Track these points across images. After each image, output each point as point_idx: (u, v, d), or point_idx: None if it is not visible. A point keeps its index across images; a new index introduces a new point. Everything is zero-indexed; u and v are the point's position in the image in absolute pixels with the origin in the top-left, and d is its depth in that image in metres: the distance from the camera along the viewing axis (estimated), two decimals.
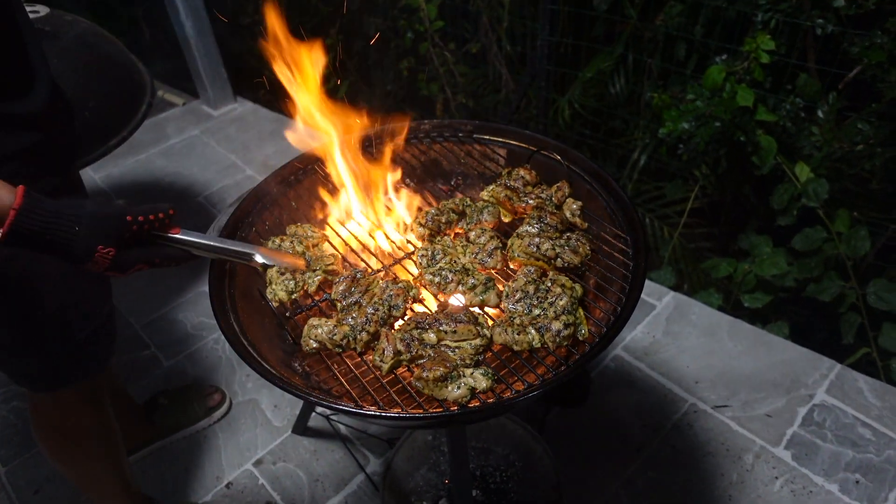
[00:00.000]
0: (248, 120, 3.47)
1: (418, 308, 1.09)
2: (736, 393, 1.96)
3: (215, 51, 3.36)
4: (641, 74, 2.74)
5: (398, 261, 1.18)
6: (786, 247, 2.28)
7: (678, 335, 2.16)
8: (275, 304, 1.11)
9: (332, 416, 1.91)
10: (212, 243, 0.95)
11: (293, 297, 1.09)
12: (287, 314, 1.10)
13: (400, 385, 0.99)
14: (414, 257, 1.16)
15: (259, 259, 1.01)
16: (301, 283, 1.10)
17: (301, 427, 1.91)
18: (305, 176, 1.38)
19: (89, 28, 1.93)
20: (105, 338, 1.30)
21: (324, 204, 1.31)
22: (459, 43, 3.30)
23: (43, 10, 1.85)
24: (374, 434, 1.89)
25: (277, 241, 1.18)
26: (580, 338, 1.00)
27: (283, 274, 1.10)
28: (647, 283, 2.34)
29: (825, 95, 2.19)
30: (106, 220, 0.85)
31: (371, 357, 1.00)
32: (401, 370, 1.00)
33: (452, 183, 1.44)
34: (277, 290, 1.09)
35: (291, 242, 1.17)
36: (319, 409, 1.91)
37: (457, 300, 1.09)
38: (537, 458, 1.70)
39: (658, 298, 2.29)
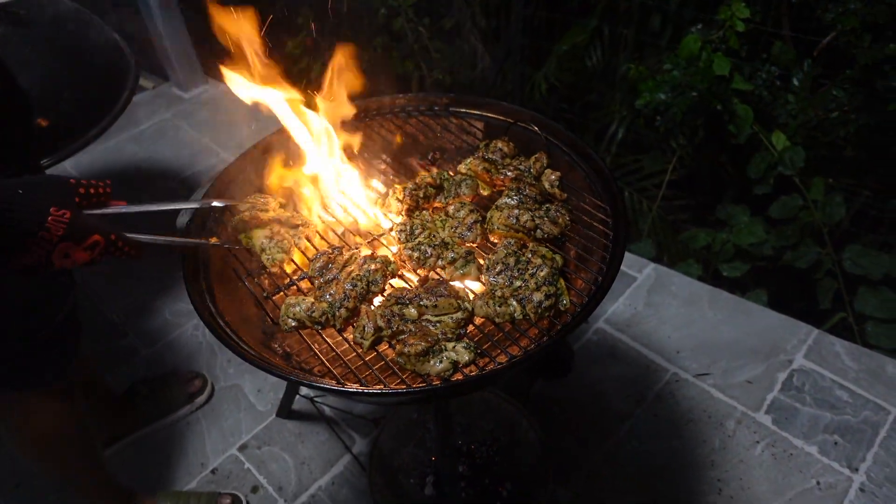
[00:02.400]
0: (220, 101, 3.40)
1: (397, 283, 1.07)
2: (716, 361, 1.98)
3: (183, 31, 3.27)
4: (617, 47, 2.73)
5: (376, 237, 1.16)
6: (763, 215, 2.30)
7: (659, 306, 2.17)
8: (275, 270, 1.09)
9: (316, 398, 1.90)
10: (160, 206, 0.93)
11: (289, 256, 1.07)
12: (265, 294, 1.07)
13: (382, 362, 0.98)
14: (392, 233, 1.14)
15: (217, 204, 1.00)
16: (290, 242, 1.08)
17: (285, 410, 1.90)
18: (276, 155, 1.34)
19: (68, 9, 1.84)
20: (69, 332, 1.26)
21: (297, 182, 1.29)
22: (434, 18, 3.25)
23: None
24: (359, 414, 1.88)
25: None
26: (562, 308, 1.00)
27: (271, 239, 1.08)
28: (628, 255, 2.35)
29: (800, 63, 2.19)
30: (50, 183, 0.78)
31: (351, 334, 0.98)
32: (382, 346, 0.99)
33: (430, 157, 1.42)
34: (273, 254, 1.07)
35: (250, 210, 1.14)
36: (303, 391, 1.90)
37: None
38: (522, 431, 1.71)
39: (638, 270, 2.30)
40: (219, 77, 3.58)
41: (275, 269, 1.09)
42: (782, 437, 1.78)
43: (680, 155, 2.55)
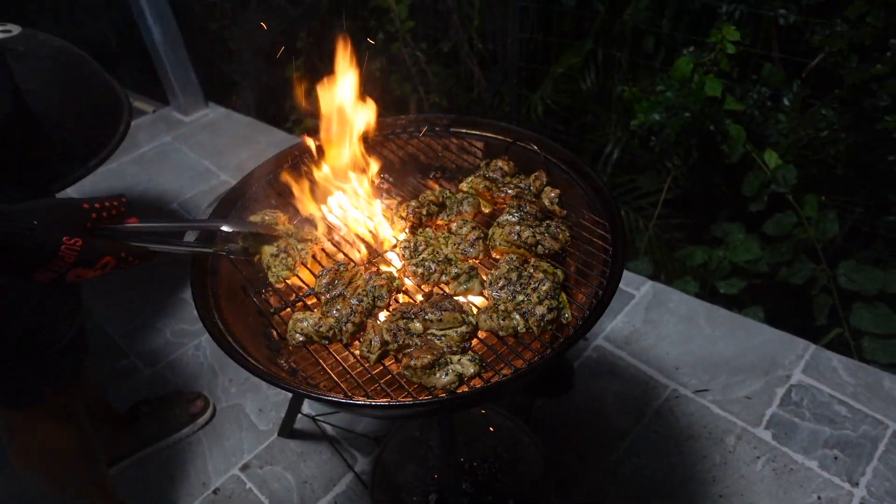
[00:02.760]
0: (220, 125, 3.44)
1: (402, 299, 1.09)
2: (715, 377, 2.00)
3: (185, 56, 3.33)
4: (611, 69, 2.79)
5: (380, 254, 1.19)
6: (758, 232, 2.33)
7: (657, 323, 2.19)
8: (280, 286, 1.11)
9: (318, 417, 1.91)
10: (172, 224, 0.94)
11: (295, 273, 1.10)
12: (272, 311, 1.09)
13: (389, 376, 0.99)
14: (396, 250, 1.16)
15: (226, 228, 0.98)
16: (297, 258, 1.10)
17: (287, 430, 1.90)
18: (282, 174, 1.37)
19: (63, 47, 1.89)
20: (75, 352, 1.27)
21: (302, 200, 1.31)
22: (431, 42, 3.32)
23: (15, 29, 1.81)
24: (361, 433, 1.89)
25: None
26: (563, 321, 1.02)
27: (276, 256, 1.10)
28: (625, 273, 2.36)
29: (790, 84, 2.25)
30: (63, 209, 0.81)
31: (358, 349, 1.00)
32: (388, 361, 1.00)
33: (431, 177, 1.45)
34: (279, 271, 1.10)
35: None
36: (306, 410, 1.90)
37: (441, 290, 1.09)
38: (524, 448, 1.71)
39: (636, 288, 2.33)
40: (219, 101, 3.63)
41: (280, 286, 1.12)
42: (782, 452, 1.79)
43: (674, 175, 2.59)
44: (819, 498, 1.69)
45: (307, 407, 1.94)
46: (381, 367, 1.01)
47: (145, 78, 3.84)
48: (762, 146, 2.30)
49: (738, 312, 2.22)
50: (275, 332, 1.15)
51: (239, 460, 1.88)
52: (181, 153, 3.23)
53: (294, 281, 1.12)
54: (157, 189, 3.00)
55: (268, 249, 1.11)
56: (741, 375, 1.99)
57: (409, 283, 1.13)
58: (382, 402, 0.90)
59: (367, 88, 1.33)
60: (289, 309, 1.10)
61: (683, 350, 2.09)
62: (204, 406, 1.96)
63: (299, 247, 1.12)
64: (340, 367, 1.01)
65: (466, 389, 0.93)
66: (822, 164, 2.31)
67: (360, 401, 0.90)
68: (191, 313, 2.35)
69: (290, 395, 1.99)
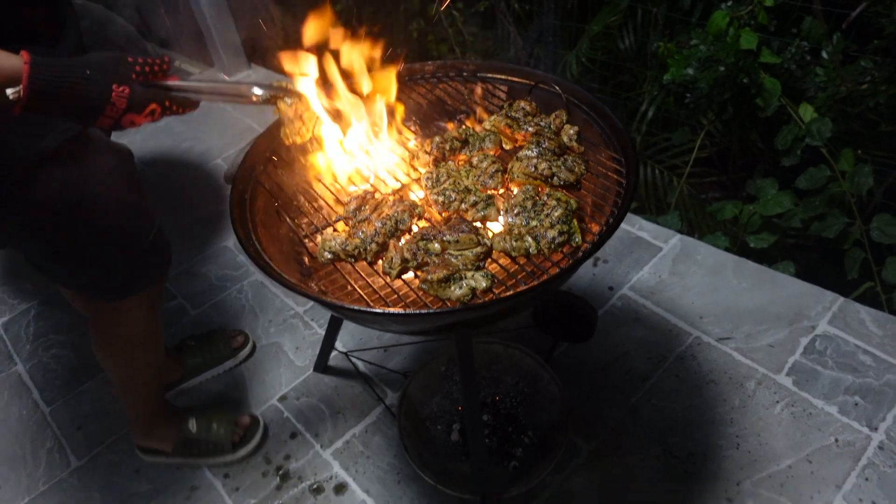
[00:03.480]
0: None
1: (423, 224, 1.17)
2: (739, 326, 2.02)
3: (228, 17, 3.43)
4: (648, 26, 2.77)
5: (406, 184, 1.26)
6: (791, 188, 2.32)
7: (684, 275, 2.22)
8: (288, 143, 1.19)
9: (351, 353, 2.02)
10: (208, 84, 1.04)
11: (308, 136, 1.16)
12: (303, 234, 1.18)
13: (412, 296, 1.07)
14: (420, 181, 1.24)
15: (257, 91, 1.06)
16: (310, 125, 1.17)
17: (322, 365, 2.02)
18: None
19: (102, 13, 2.02)
20: (161, 246, 1.42)
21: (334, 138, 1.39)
22: (468, 3, 3.33)
23: None
24: (391, 369, 2.00)
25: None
26: (574, 245, 1.08)
27: (292, 121, 1.17)
28: (653, 226, 2.41)
29: (830, 37, 2.21)
30: (110, 61, 0.91)
31: (381, 265, 1.09)
32: (409, 278, 1.09)
33: (457, 119, 1.51)
34: (291, 133, 1.18)
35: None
36: (339, 347, 2.02)
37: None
38: (545, 384, 1.79)
39: (664, 241, 2.35)
40: (261, 63, 3.74)
41: (288, 142, 1.19)
42: (802, 398, 1.82)
43: (709, 130, 2.58)
44: (836, 441, 1.72)
45: (340, 344, 2.06)
46: (405, 287, 1.09)
47: (192, 41, 3.98)
48: (798, 100, 2.27)
49: (768, 266, 2.23)
50: (306, 258, 1.25)
51: (277, 392, 2.01)
52: (225, 112, 3.36)
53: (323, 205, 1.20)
54: (203, 146, 3.14)
55: (286, 109, 1.15)
56: (766, 325, 2.02)
57: (430, 211, 1.20)
58: (398, 310, 0.98)
59: (405, 49, 1.39)
60: (319, 233, 1.19)
61: (709, 300, 2.12)
62: (244, 341, 2.09)
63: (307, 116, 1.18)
64: (366, 286, 1.10)
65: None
66: (862, 118, 2.27)
67: (379, 309, 0.99)
68: (233, 259, 2.49)
69: (323, 332, 2.11)
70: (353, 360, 2.02)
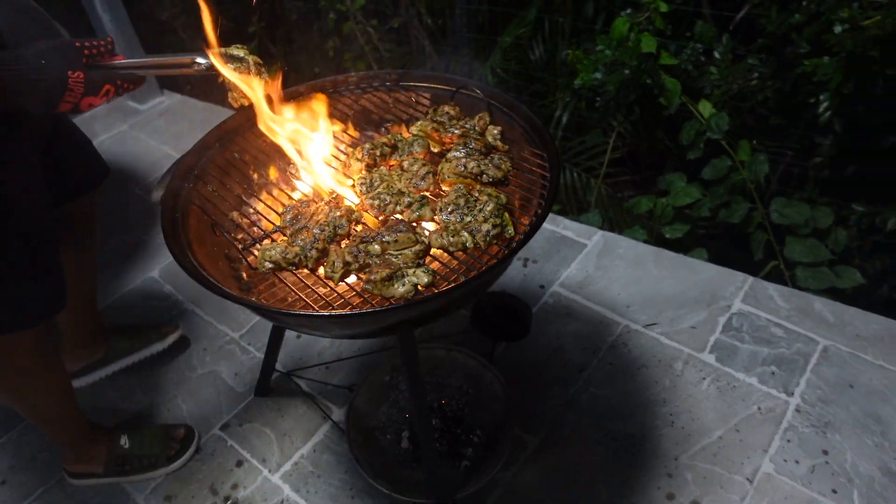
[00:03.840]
0: (177, 111, 3.46)
1: (360, 229, 1.19)
2: (663, 312, 2.14)
3: (136, 44, 3.34)
4: (556, 36, 2.91)
5: (338, 192, 1.28)
6: (698, 180, 2.49)
7: (608, 268, 2.33)
8: (236, 105, 1.17)
9: (293, 373, 1.99)
10: (153, 59, 1.07)
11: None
12: (241, 247, 1.18)
13: (353, 293, 1.09)
14: (354, 188, 1.26)
15: (200, 60, 1.06)
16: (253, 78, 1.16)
17: (263, 388, 1.98)
18: (238, 134, 1.45)
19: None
20: (56, 281, 1.33)
21: (264, 154, 1.40)
22: (382, 19, 3.39)
23: None
24: (335, 385, 1.98)
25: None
26: (507, 236, 1.13)
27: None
28: (577, 224, 2.51)
29: (720, 38, 2.40)
30: (62, 48, 0.95)
31: (323, 271, 1.10)
32: (353, 282, 1.10)
33: (383, 130, 1.54)
34: (238, 98, 1.15)
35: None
36: (279, 367, 1.99)
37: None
38: (488, 384, 1.83)
39: (588, 238, 2.46)
40: (174, 88, 3.65)
41: (236, 105, 1.17)
42: (725, 373, 1.95)
43: (619, 131, 2.73)
44: (759, 409, 1.85)
45: (280, 365, 2.03)
46: (349, 291, 1.10)
47: None
48: (697, 98, 2.45)
49: (684, 255, 2.38)
50: (244, 273, 1.24)
51: (218, 421, 1.96)
52: (140, 140, 3.26)
53: (259, 218, 1.21)
54: (119, 176, 3.02)
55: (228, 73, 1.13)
56: (686, 309, 2.15)
57: (366, 216, 1.22)
58: (345, 312, 1.00)
59: (322, 67, 1.40)
60: (257, 245, 1.19)
61: (633, 290, 2.23)
62: (174, 329, 2.07)
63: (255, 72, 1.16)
64: (311, 293, 1.10)
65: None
66: (753, 112, 2.47)
67: (325, 312, 1.00)
68: (160, 290, 2.41)
69: (261, 356, 2.08)
70: (296, 379, 2.00)
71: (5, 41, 1.10)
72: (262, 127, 1.22)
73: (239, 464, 1.84)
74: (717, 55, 2.40)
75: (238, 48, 1.13)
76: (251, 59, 1.11)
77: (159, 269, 2.50)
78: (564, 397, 1.92)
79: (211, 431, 1.93)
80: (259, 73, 1.11)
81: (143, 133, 3.30)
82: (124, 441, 1.77)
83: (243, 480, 1.80)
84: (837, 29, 2.03)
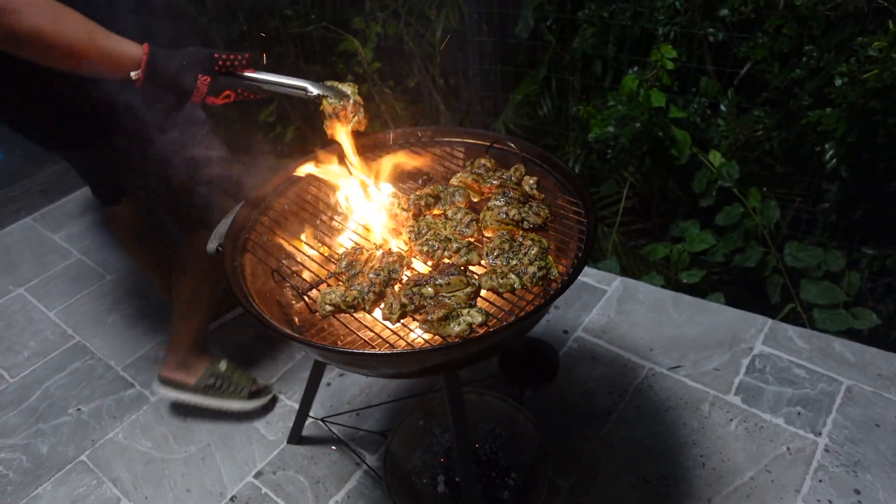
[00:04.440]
0: None
1: (410, 274, 1.26)
2: (686, 355, 2.19)
3: None
4: (566, 92, 3.05)
5: (389, 242, 1.36)
6: (711, 226, 2.57)
7: (629, 313, 2.39)
8: (329, 133, 1.35)
9: (326, 419, 2.02)
10: (273, 78, 1.28)
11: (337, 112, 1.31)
12: (300, 291, 1.24)
13: (410, 331, 1.15)
14: (403, 236, 1.33)
15: (311, 89, 1.27)
16: (350, 118, 1.33)
17: (296, 436, 2.01)
18: (295, 184, 1.54)
19: None
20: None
21: (319, 203, 1.48)
22: (397, 80, 3.55)
23: None
24: (368, 430, 2.01)
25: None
26: (552, 277, 1.20)
27: (333, 115, 1.32)
28: (596, 271, 2.58)
29: (725, 92, 2.53)
30: (199, 55, 1.21)
31: (380, 313, 1.16)
32: (406, 321, 1.16)
33: (420, 182, 1.63)
34: (329, 127, 1.34)
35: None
36: (314, 414, 2.02)
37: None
38: (520, 426, 1.86)
39: (608, 284, 2.53)
40: None
41: (329, 134, 1.35)
42: (752, 414, 1.98)
43: (631, 182, 2.84)
44: (788, 449, 1.87)
45: (315, 411, 2.06)
46: (402, 329, 1.16)
47: None
48: (706, 149, 2.56)
49: (701, 298, 2.44)
50: (296, 318, 1.30)
51: (252, 469, 1.98)
52: None
53: (314, 266, 1.28)
54: None
55: (327, 106, 1.31)
56: (709, 351, 2.19)
57: (416, 262, 1.30)
58: (405, 350, 1.06)
59: None
60: (315, 290, 1.26)
61: (655, 334, 2.28)
62: (266, 391, 2.16)
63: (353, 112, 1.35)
64: (366, 329, 1.16)
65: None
66: (761, 161, 2.58)
67: (386, 351, 1.06)
68: None
69: (296, 405, 2.11)
70: (328, 426, 2.02)
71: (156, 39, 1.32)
72: (346, 164, 1.43)
73: None
74: (723, 108, 2.53)
75: (349, 85, 1.33)
76: (355, 98, 1.26)
77: None
78: (595, 440, 1.95)
79: (245, 479, 1.94)
80: (355, 113, 1.24)
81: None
82: (223, 364, 2.08)
83: None
84: (838, 82, 2.16)
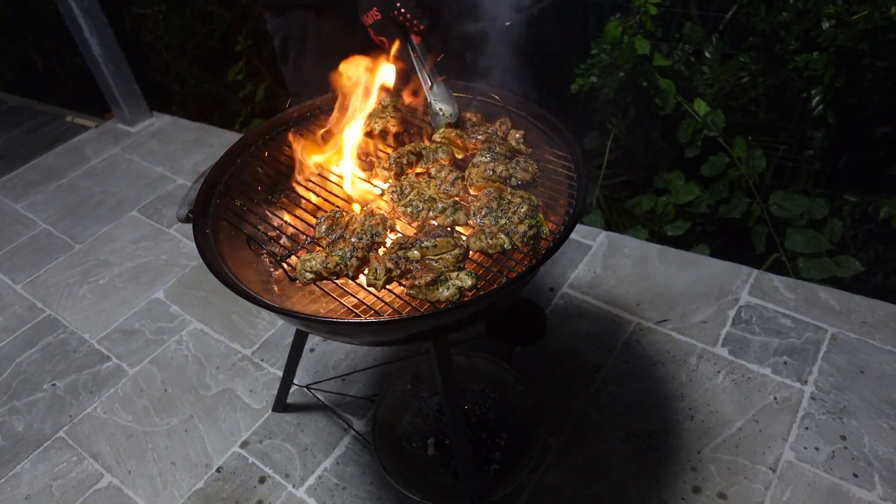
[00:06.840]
0: (168, 132, 3.44)
1: (395, 236, 1.20)
2: (673, 308, 2.18)
3: (126, 67, 3.32)
4: None
5: (370, 202, 1.29)
6: (696, 177, 2.53)
7: (615, 267, 2.36)
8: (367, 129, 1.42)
9: (311, 386, 1.98)
10: (418, 62, 1.40)
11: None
12: (279, 258, 1.18)
13: (397, 298, 1.09)
14: (384, 196, 1.27)
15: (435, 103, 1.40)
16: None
17: (281, 404, 1.97)
18: (267, 145, 1.46)
19: None
20: None
21: (293, 161, 1.40)
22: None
23: None
24: (354, 395, 1.98)
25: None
26: (543, 236, 1.15)
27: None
28: (581, 226, 2.54)
29: (709, 38, 2.45)
30: (385, 1, 1.33)
31: (364, 278, 1.10)
32: (393, 287, 1.11)
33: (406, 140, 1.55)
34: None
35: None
36: (298, 381, 1.98)
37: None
38: (510, 387, 1.84)
39: (592, 239, 2.49)
40: (163, 109, 3.63)
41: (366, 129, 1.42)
42: (739, 365, 1.98)
43: (615, 134, 2.77)
44: (775, 399, 1.88)
45: (299, 378, 2.02)
46: (387, 293, 1.11)
47: (82, 95, 3.80)
48: (691, 97, 2.50)
49: (687, 251, 2.41)
50: (275, 286, 1.24)
51: (237, 439, 1.94)
52: (133, 162, 3.23)
53: (291, 231, 1.21)
54: (114, 198, 2.99)
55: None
56: (695, 304, 2.18)
57: (399, 223, 1.23)
58: (392, 317, 1.00)
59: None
60: (294, 256, 1.19)
61: (641, 288, 2.26)
62: None
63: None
64: (346, 298, 1.10)
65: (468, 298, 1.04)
66: (746, 109, 2.53)
67: (393, 318, 1.00)
68: (166, 311, 2.38)
69: (279, 373, 2.07)
70: (314, 392, 1.99)
71: None
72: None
73: (262, 480, 1.83)
74: (707, 55, 2.46)
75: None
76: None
77: (164, 289, 2.47)
78: (584, 397, 1.93)
79: (231, 450, 1.91)
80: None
81: (136, 155, 3.27)
82: None
83: (268, 497, 1.79)
84: (825, 25, 2.10)
